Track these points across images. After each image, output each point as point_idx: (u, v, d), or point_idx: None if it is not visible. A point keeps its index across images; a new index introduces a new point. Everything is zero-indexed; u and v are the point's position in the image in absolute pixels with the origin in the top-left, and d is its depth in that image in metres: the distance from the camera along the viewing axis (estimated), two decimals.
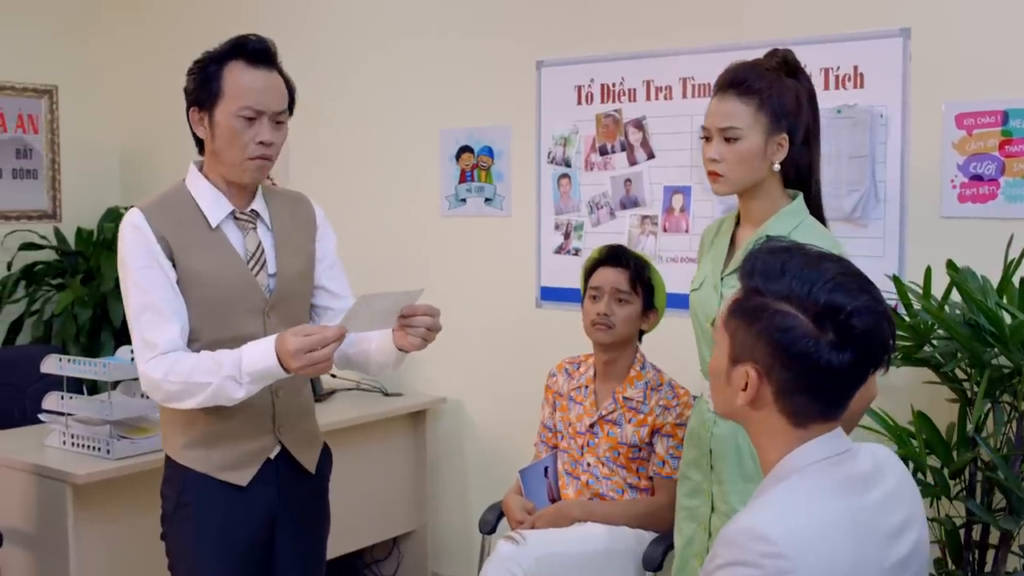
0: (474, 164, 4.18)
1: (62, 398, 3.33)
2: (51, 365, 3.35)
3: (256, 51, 2.40)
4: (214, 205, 2.41)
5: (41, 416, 3.40)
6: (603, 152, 3.83)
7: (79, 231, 5.03)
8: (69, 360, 3.33)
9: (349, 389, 4.34)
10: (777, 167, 2.40)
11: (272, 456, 2.48)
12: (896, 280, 2.87)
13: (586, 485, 3.13)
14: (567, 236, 3.94)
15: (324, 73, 4.55)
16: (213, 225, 2.40)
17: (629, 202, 3.79)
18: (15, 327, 4.79)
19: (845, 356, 1.49)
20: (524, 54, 3.98)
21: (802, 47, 2.79)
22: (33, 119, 5.01)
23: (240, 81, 2.36)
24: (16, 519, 3.29)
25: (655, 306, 3.19)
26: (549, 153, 3.96)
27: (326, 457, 2.65)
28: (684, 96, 3.63)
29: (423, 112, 4.29)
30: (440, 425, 4.32)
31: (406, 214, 4.37)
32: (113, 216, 5.11)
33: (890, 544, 1.54)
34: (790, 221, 2.39)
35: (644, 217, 3.75)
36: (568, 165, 3.92)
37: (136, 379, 3.38)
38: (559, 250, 3.96)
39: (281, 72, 2.46)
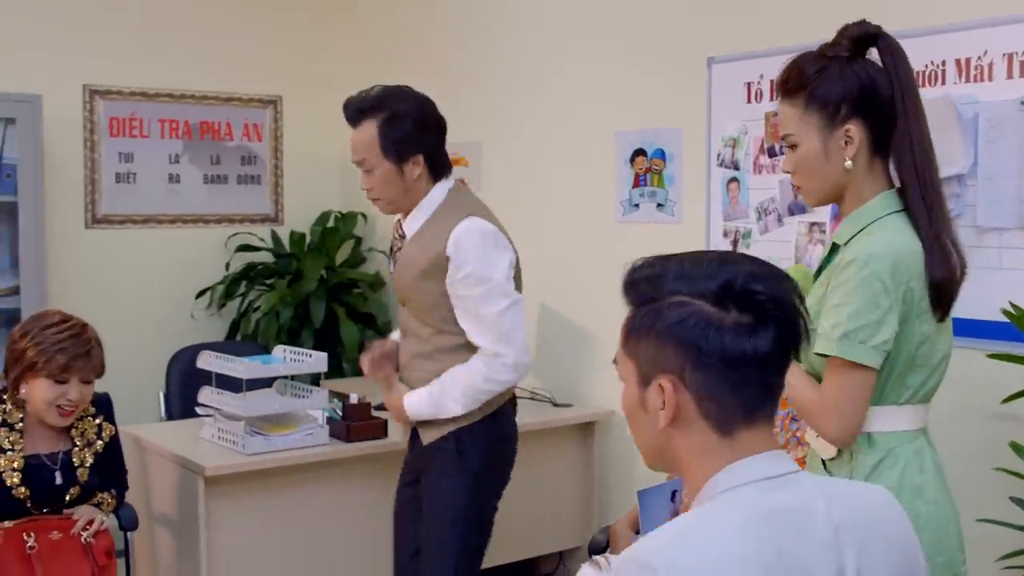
0: (647, 167, 3.99)
1: (213, 394, 3.47)
2: (203, 361, 3.51)
3: (346, 116, 2.89)
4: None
5: (197, 409, 3.57)
6: (771, 154, 3.54)
7: (291, 234, 5.26)
8: (216, 357, 3.46)
9: (522, 398, 4.26)
10: (849, 164, 2.07)
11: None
12: None
13: None
14: (735, 244, 3.67)
15: (507, 78, 4.53)
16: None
17: (797, 208, 3.47)
18: (236, 324, 5.09)
19: (757, 333, 1.33)
20: (694, 50, 3.76)
21: (979, 31, 2.42)
22: (258, 128, 5.30)
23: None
24: (165, 505, 3.47)
25: None
26: (718, 155, 3.71)
27: (450, 443, 2.90)
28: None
29: (599, 114, 4.15)
30: (610, 439, 4.16)
31: (583, 219, 4.24)
32: (324, 220, 5.32)
33: None
34: (852, 227, 2.06)
35: (812, 224, 3.43)
36: (737, 168, 3.65)
37: (284, 377, 3.50)
38: None
39: (376, 119, 2.83)
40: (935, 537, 2.04)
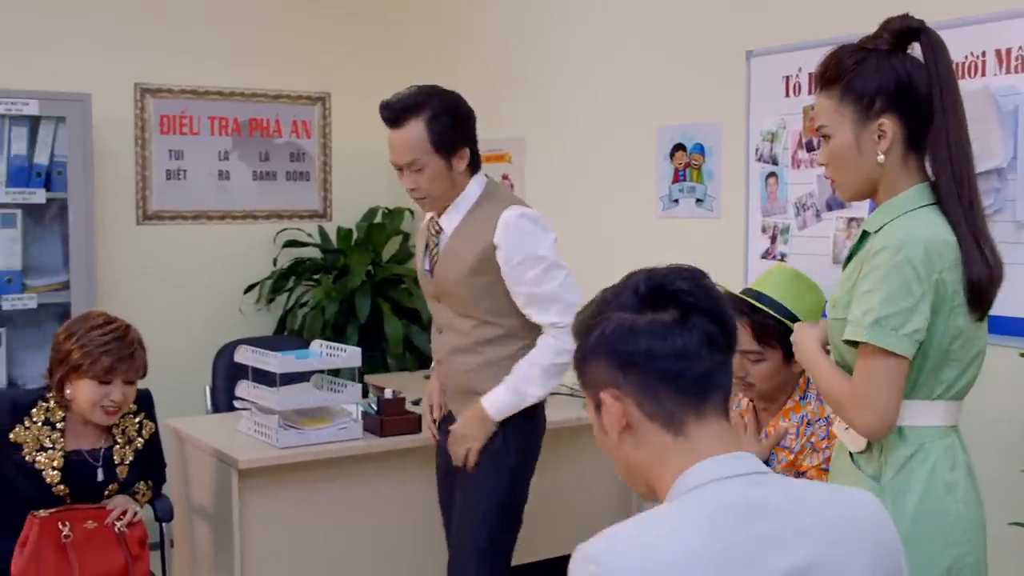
0: (686, 163, 3.95)
1: (249, 387, 3.52)
2: (240, 355, 3.56)
3: (384, 117, 2.91)
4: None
5: (235, 403, 3.61)
6: (810, 148, 3.48)
7: (339, 230, 5.31)
8: (252, 351, 3.50)
9: (561, 394, 4.25)
10: (881, 158, 2.03)
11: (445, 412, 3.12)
12: None
13: None
14: (773, 240, 3.62)
15: (550, 75, 4.52)
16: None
17: (835, 203, 3.41)
18: (283, 320, 5.15)
19: (680, 327, 1.38)
20: (733, 44, 3.71)
21: (1020, 21, 2.35)
22: (307, 125, 5.36)
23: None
24: (203, 497, 3.53)
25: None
26: (757, 150, 3.66)
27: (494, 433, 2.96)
28: None
29: (639, 109, 4.12)
30: None
31: (624, 215, 4.22)
32: (371, 216, 5.35)
33: None
34: (884, 216, 2.03)
35: (851, 220, 3.36)
36: (775, 163, 3.60)
37: (322, 372, 3.53)
38: (765, 255, 3.64)
39: (422, 118, 2.86)
40: (966, 536, 2.00)
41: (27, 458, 2.93)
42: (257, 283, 5.13)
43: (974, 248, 1.98)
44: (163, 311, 4.92)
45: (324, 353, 3.56)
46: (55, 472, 2.94)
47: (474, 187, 2.98)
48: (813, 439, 2.69)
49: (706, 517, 1.30)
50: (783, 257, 3.57)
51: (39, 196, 4.28)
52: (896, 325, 1.91)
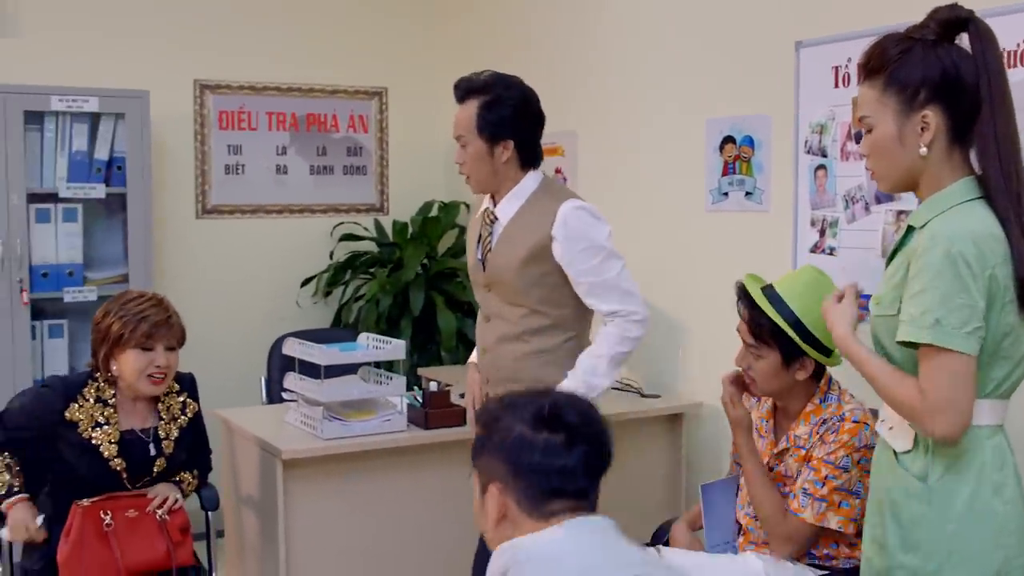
0: (736, 155, 3.90)
1: (296, 379, 3.56)
2: (287, 348, 3.60)
3: (455, 94, 3.06)
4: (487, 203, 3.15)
5: (284, 395, 3.66)
6: (858, 140, 3.41)
7: (394, 223, 5.35)
8: (299, 343, 3.55)
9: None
10: (924, 151, 1.99)
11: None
12: None
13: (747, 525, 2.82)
14: (822, 233, 3.56)
15: (603, 68, 4.50)
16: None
17: (885, 196, 3.34)
18: (340, 313, 5.21)
19: (566, 449, 1.69)
20: (782, 34, 3.66)
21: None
22: (363, 119, 5.41)
23: None
24: (250, 487, 3.59)
25: (802, 352, 2.63)
26: (806, 142, 3.60)
27: None
28: None
29: (689, 101, 4.08)
30: (698, 430, 4.09)
31: (674, 209, 4.18)
32: (427, 210, 5.38)
33: None
34: (929, 211, 1.99)
35: (900, 213, 3.30)
36: (824, 155, 3.54)
37: (368, 365, 3.56)
38: (814, 249, 3.59)
39: (478, 100, 3.00)
40: (1015, 538, 1.95)
41: (83, 435, 3.00)
42: (314, 276, 5.19)
43: (1023, 243, 1.93)
44: (221, 303, 5.01)
45: (370, 346, 3.59)
46: (112, 446, 3.02)
47: (530, 181, 3.07)
48: (823, 432, 2.64)
49: (579, 534, 1.70)
50: (832, 251, 3.51)
51: (99, 191, 4.39)
52: (958, 324, 1.86)
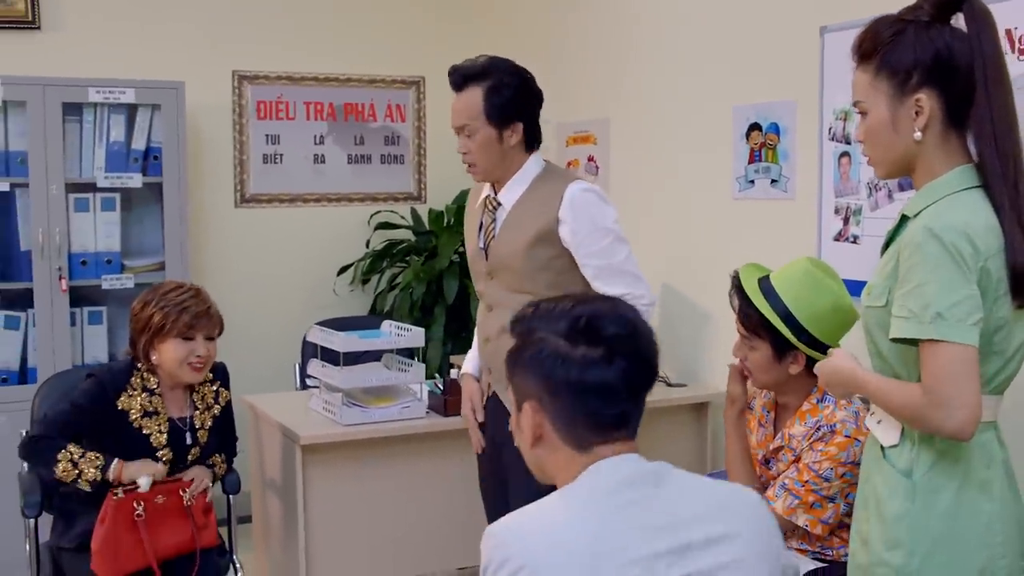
0: (762, 142, 3.86)
1: (318, 366, 3.61)
2: (311, 335, 3.66)
3: (450, 81, 3.02)
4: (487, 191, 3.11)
5: (308, 380, 3.72)
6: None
7: (430, 212, 5.38)
8: (321, 330, 3.60)
9: None
10: (919, 135, 1.94)
11: (491, 390, 3.11)
12: None
13: None
14: (846, 221, 3.51)
15: (634, 56, 4.48)
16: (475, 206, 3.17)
17: (907, 184, 3.26)
18: (377, 300, 5.26)
19: (603, 367, 1.53)
20: (807, 19, 3.61)
21: None
22: (401, 109, 5.44)
23: None
24: (274, 472, 3.65)
25: (794, 346, 2.60)
26: (830, 129, 3.55)
27: None
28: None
29: (717, 88, 4.05)
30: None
31: (701, 196, 4.15)
32: (462, 198, 5.40)
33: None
34: (923, 200, 1.94)
35: None
36: (848, 142, 3.49)
37: (392, 351, 3.60)
38: (838, 237, 3.54)
39: (482, 86, 2.94)
40: (1001, 537, 1.91)
41: (134, 424, 3.07)
42: (350, 265, 5.25)
43: (1018, 232, 1.87)
44: (259, 291, 5.09)
45: (392, 333, 3.63)
46: (162, 435, 3.09)
47: (533, 164, 3.04)
48: (813, 441, 2.61)
49: (584, 506, 1.51)
50: (855, 239, 3.46)
51: (136, 181, 4.48)
52: (961, 316, 1.80)
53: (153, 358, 3.12)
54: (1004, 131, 1.91)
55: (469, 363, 3.24)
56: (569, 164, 4.87)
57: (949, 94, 1.92)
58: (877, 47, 1.96)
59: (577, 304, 1.58)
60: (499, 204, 3.04)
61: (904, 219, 1.99)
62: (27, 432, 3.23)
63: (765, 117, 3.84)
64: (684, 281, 4.23)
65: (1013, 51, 2.83)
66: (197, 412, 3.19)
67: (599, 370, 1.52)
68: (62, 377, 3.61)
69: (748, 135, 3.92)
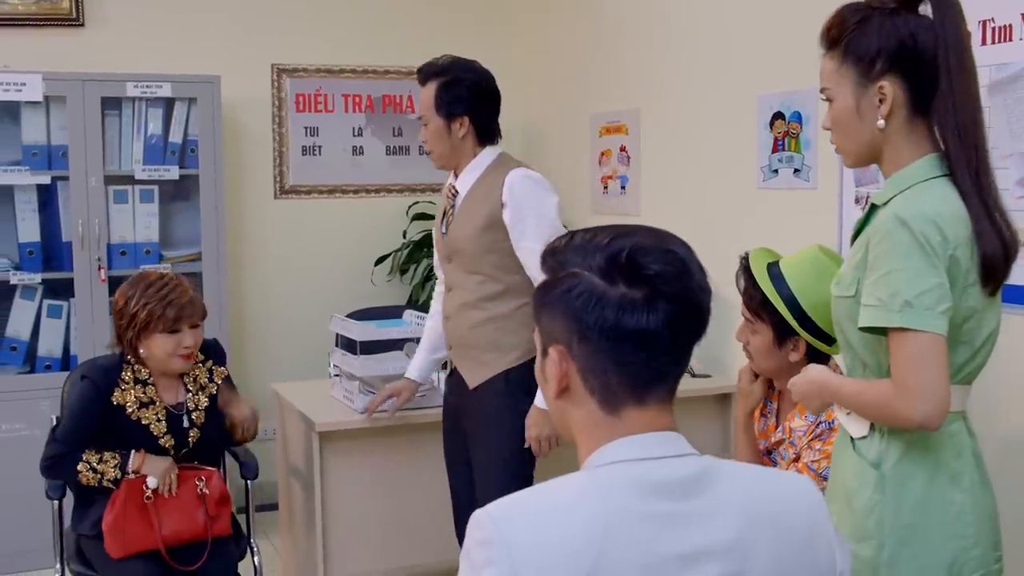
0: (785, 131, 3.83)
1: (339, 355, 3.67)
2: (332, 324, 3.71)
3: (418, 78, 3.25)
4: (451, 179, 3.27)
5: (330, 369, 3.78)
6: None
7: None
8: (341, 319, 3.66)
9: None
10: (882, 123, 1.93)
11: (451, 366, 3.28)
12: None
13: None
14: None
15: (664, 46, 4.46)
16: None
17: None
18: (414, 291, 5.32)
19: (646, 309, 1.29)
20: (830, 7, 3.55)
21: None
22: None
23: None
24: (296, 459, 3.72)
25: (795, 332, 2.55)
26: None
27: (498, 383, 3.10)
28: (984, 43, 3.02)
29: (743, 77, 4.02)
30: None
31: (727, 186, 4.13)
32: None
33: (680, 568, 1.25)
34: (892, 189, 1.92)
35: None
36: None
37: (413, 340, 3.64)
38: None
39: (437, 81, 3.15)
40: (971, 528, 1.89)
41: (132, 417, 3.15)
42: (388, 255, 5.30)
43: (986, 221, 1.85)
44: (298, 281, 5.17)
45: (412, 322, 3.67)
46: (160, 424, 3.16)
47: (487, 155, 3.21)
48: (811, 440, 2.58)
49: (600, 496, 1.26)
50: None
51: (173, 173, 4.58)
52: (929, 304, 1.78)
53: (141, 351, 3.16)
54: (968, 120, 1.88)
55: (413, 369, 3.42)
56: (602, 154, 4.88)
57: (914, 82, 1.89)
58: (843, 34, 1.94)
59: (618, 236, 1.33)
60: (456, 192, 3.21)
61: (873, 208, 1.97)
62: (42, 452, 3.21)
63: (788, 106, 3.80)
64: (709, 270, 4.15)
65: (987, 42, 2.77)
66: (190, 395, 3.23)
67: (639, 314, 1.28)
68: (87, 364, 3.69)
69: (772, 124, 3.88)
